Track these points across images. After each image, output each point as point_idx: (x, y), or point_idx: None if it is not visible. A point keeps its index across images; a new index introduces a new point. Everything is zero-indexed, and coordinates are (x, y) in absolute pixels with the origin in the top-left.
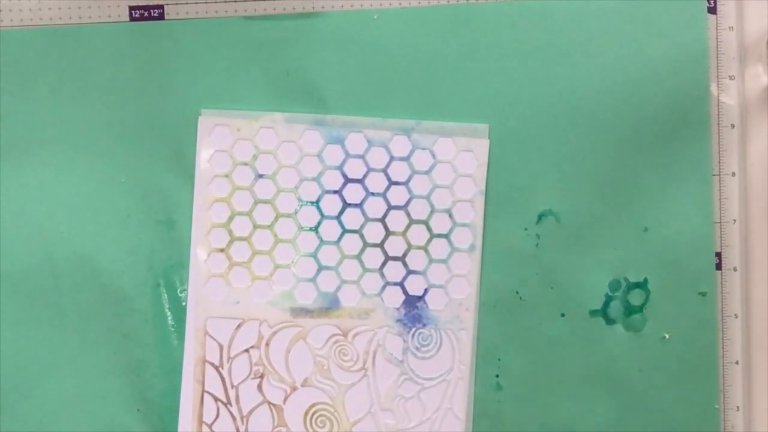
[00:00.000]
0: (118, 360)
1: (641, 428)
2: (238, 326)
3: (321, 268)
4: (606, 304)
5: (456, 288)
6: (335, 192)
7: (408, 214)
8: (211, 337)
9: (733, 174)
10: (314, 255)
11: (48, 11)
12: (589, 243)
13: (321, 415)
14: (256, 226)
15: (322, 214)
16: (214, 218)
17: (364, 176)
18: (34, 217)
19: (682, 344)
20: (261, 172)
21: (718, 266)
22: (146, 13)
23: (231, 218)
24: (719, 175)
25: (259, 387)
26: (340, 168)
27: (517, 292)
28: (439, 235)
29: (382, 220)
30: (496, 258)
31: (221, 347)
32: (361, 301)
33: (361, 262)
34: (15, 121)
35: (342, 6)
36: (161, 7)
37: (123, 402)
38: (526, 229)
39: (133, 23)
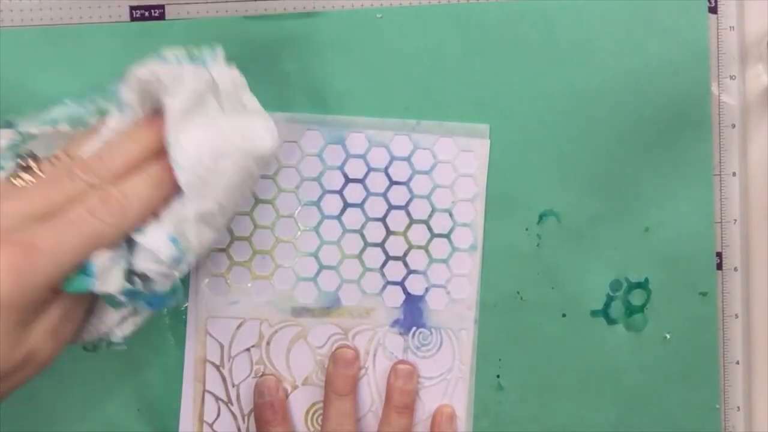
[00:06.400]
0: (118, 360)
1: (642, 428)
2: (239, 326)
3: (321, 267)
4: (607, 304)
5: (456, 288)
6: (336, 192)
7: (408, 214)
8: (212, 336)
9: (734, 174)
10: (315, 254)
11: (48, 11)
12: (590, 243)
13: (322, 414)
14: (256, 226)
15: (322, 214)
16: None
17: (365, 176)
18: None
19: (683, 344)
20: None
21: (719, 266)
22: (147, 13)
23: (231, 218)
24: (720, 174)
25: None
26: (340, 168)
27: (518, 292)
28: (440, 235)
29: (383, 219)
30: (497, 258)
31: (222, 347)
32: (362, 300)
33: (362, 262)
34: None
35: (342, 6)
36: (162, 7)
37: (123, 402)
38: (527, 229)
39: (133, 23)
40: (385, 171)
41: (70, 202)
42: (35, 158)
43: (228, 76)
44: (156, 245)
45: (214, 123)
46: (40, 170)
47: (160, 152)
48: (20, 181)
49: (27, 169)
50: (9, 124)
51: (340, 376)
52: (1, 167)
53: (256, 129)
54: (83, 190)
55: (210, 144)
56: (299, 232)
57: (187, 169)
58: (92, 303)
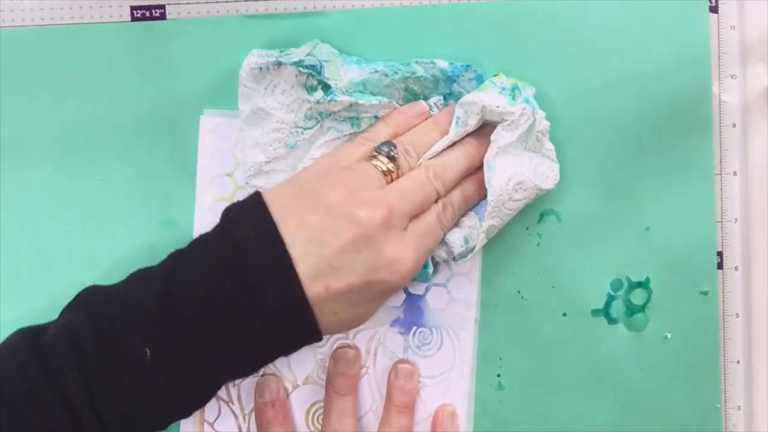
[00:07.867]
0: None
1: (643, 427)
2: None
3: None
4: (608, 303)
5: (457, 287)
6: None
7: None
8: None
9: (735, 173)
10: None
11: (49, 11)
12: (590, 242)
13: (323, 414)
14: None
15: None
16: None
17: None
18: (34, 217)
19: (684, 344)
20: None
21: (720, 265)
22: (147, 13)
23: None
24: (720, 174)
25: None
26: None
27: (519, 292)
28: None
29: None
30: (498, 257)
31: None
32: None
33: None
34: (15, 121)
35: (342, 6)
36: (162, 6)
37: None
38: (527, 229)
39: (134, 23)
40: None
41: (427, 205)
42: (393, 153)
43: (543, 120)
44: (453, 241)
45: (521, 155)
46: (398, 165)
47: (475, 168)
48: (381, 164)
49: (391, 158)
50: (315, 68)
51: (340, 375)
52: (351, 126)
53: (546, 169)
54: (433, 196)
55: (514, 174)
56: None
57: (496, 191)
58: None
